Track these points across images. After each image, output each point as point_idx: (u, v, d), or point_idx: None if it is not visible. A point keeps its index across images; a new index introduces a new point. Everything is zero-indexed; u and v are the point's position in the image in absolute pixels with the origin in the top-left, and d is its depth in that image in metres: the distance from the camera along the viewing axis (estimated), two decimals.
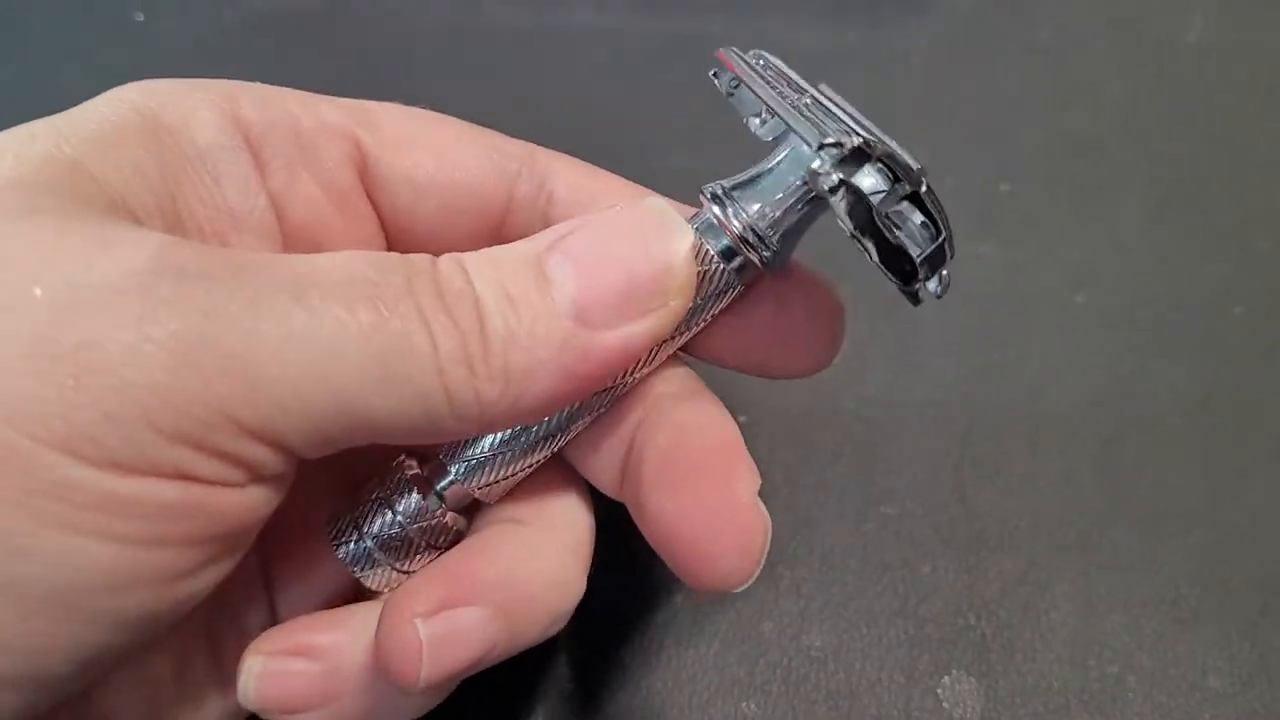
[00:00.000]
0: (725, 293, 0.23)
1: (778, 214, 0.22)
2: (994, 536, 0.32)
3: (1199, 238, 0.40)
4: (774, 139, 0.23)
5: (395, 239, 0.26)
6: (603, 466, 0.25)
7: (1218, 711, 0.29)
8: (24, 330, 0.17)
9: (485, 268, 0.20)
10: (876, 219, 0.21)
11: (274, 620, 0.26)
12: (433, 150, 0.25)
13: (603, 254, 0.20)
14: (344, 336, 0.18)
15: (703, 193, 0.23)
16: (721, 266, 0.22)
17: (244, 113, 0.24)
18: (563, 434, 0.24)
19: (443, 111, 0.44)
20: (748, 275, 0.23)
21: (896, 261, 0.21)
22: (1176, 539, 0.32)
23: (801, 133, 0.21)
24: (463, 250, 0.21)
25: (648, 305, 0.20)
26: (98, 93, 0.23)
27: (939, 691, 0.30)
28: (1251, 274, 0.38)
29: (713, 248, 0.22)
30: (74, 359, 0.17)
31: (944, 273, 0.21)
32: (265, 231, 0.24)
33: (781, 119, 0.22)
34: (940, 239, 0.20)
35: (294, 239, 0.25)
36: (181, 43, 0.44)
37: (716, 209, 0.22)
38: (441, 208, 0.25)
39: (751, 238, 0.22)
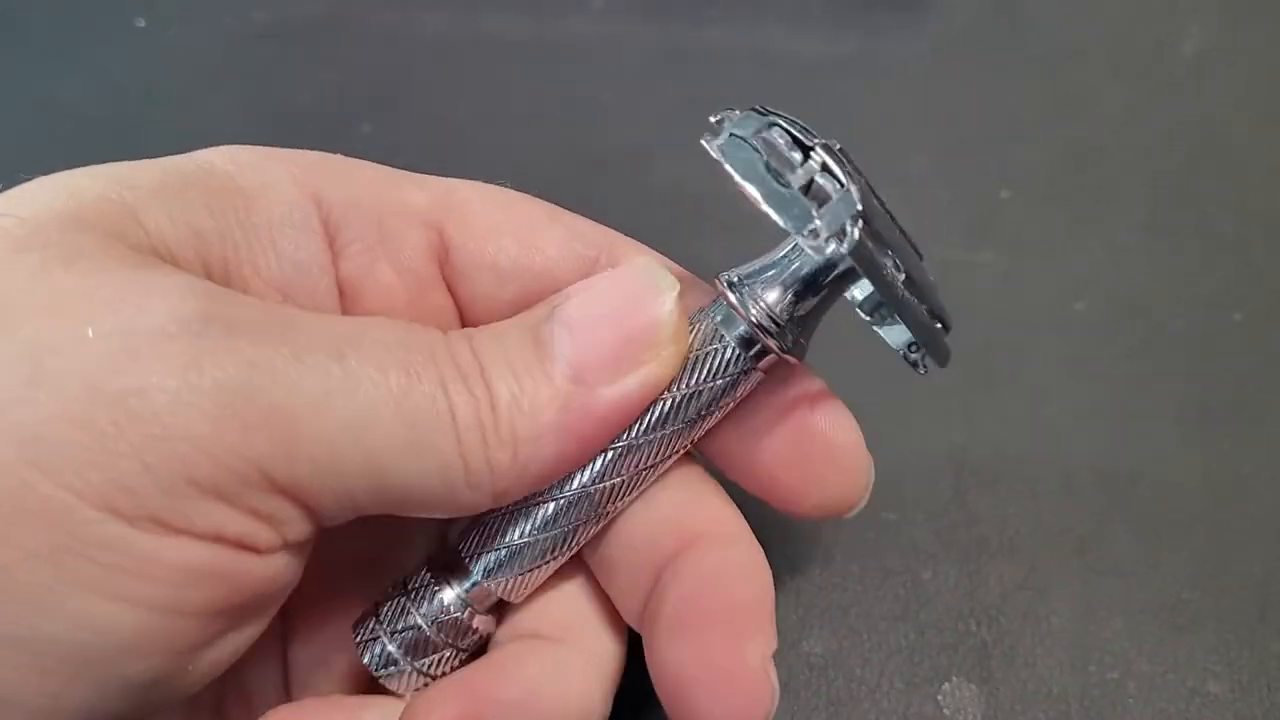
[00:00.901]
0: (743, 379, 0.23)
1: (792, 299, 0.22)
2: (994, 542, 0.32)
3: (1197, 245, 0.40)
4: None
5: (471, 324, 0.25)
6: (627, 592, 0.24)
7: (1218, 717, 0.29)
8: (72, 374, 0.17)
9: (488, 340, 0.21)
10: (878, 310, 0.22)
11: (285, 685, 0.26)
12: (517, 236, 0.24)
13: (595, 314, 0.21)
14: (376, 398, 0.19)
15: (718, 280, 0.23)
16: (739, 353, 0.22)
17: (326, 191, 0.23)
18: (579, 532, 0.23)
19: (444, 120, 0.44)
20: (766, 362, 0.23)
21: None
22: (1175, 545, 0.32)
23: (784, 222, 0.20)
24: None
25: (642, 357, 0.21)
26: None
27: (939, 698, 0.29)
28: (1250, 281, 0.39)
29: (730, 334, 0.22)
30: (118, 405, 0.17)
31: (943, 343, 0.22)
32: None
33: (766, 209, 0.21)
34: (937, 326, 0.22)
35: None
36: (183, 50, 0.44)
37: (733, 296, 0.22)
38: (521, 293, 0.24)
39: (768, 324, 0.22)
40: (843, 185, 0.20)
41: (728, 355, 0.22)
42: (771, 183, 0.20)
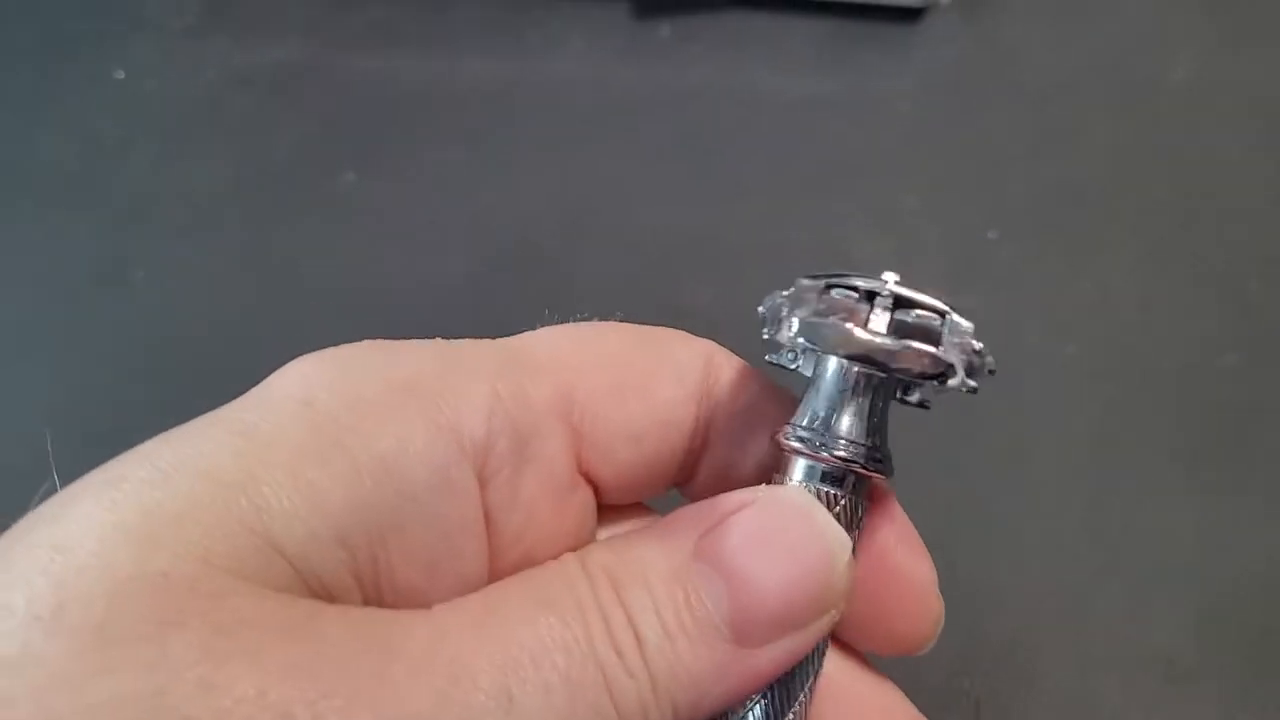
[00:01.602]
0: (860, 517, 0.22)
1: (866, 422, 0.21)
2: (985, 597, 0.32)
3: (1189, 284, 0.39)
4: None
5: (608, 495, 0.24)
6: None
7: None
8: None
9: (638, 592, 0.19)
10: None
11: None
12: (637, 392, 0.23)
13: (754, 568, 0.19)
14: None
15: (782, 443, 0.21)
16: (843, 497, 0.21)
17: (463, 419, 0.21)
18: None
19: (427, 166, 0.44)
20: (866, 490, 0.22)
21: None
22: (1168, 596, 0.32)
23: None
24: (657, 483, 0.22)
25: (808, 619, 0.20)
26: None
27: None
28: (1242, 321, 0.38)
29: (827, 484, 0.21)
30: None
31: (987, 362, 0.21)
32: (473, 571, 0.22)
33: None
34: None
35: (503, 554, 0.22)
36: (162, 101, 0.44)
37: (802, 446, 0.21)
38: (653, 453, 0.23)
39: (850, 455, 0.21)
40: (936, 310, 0.20)
41: (841, 508, 0.21)
42: (886, 345, 0.19)
